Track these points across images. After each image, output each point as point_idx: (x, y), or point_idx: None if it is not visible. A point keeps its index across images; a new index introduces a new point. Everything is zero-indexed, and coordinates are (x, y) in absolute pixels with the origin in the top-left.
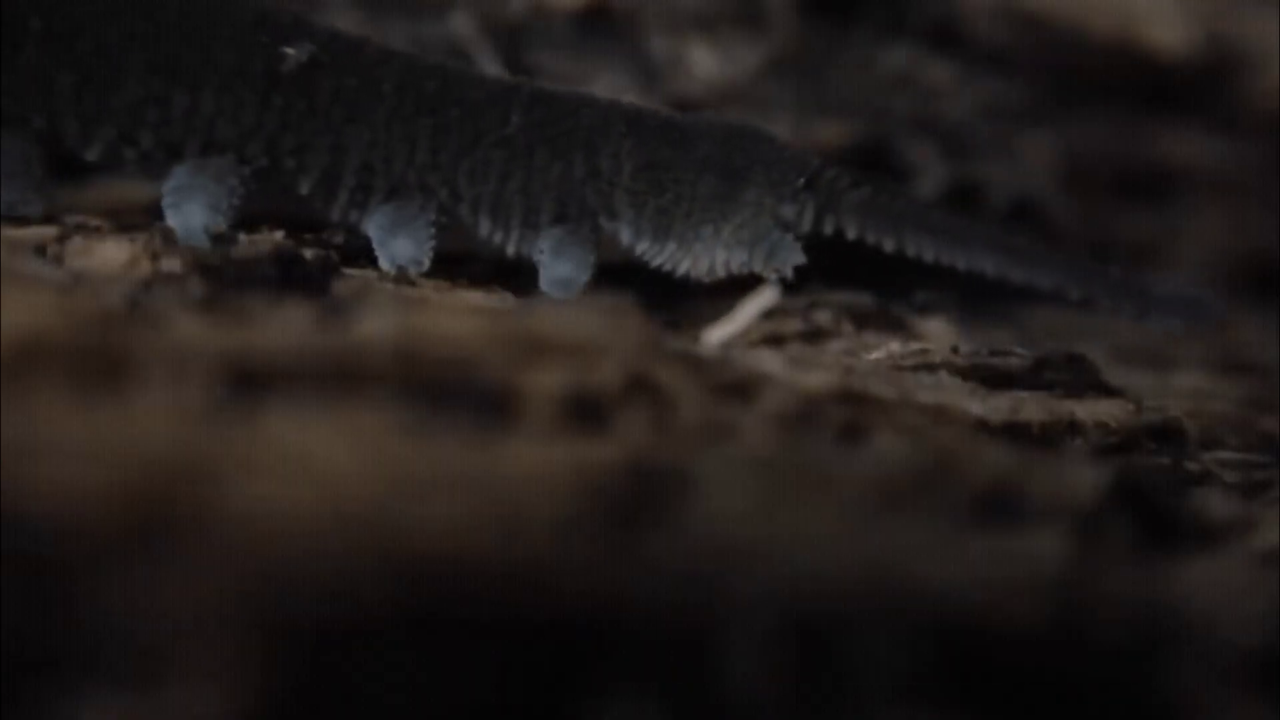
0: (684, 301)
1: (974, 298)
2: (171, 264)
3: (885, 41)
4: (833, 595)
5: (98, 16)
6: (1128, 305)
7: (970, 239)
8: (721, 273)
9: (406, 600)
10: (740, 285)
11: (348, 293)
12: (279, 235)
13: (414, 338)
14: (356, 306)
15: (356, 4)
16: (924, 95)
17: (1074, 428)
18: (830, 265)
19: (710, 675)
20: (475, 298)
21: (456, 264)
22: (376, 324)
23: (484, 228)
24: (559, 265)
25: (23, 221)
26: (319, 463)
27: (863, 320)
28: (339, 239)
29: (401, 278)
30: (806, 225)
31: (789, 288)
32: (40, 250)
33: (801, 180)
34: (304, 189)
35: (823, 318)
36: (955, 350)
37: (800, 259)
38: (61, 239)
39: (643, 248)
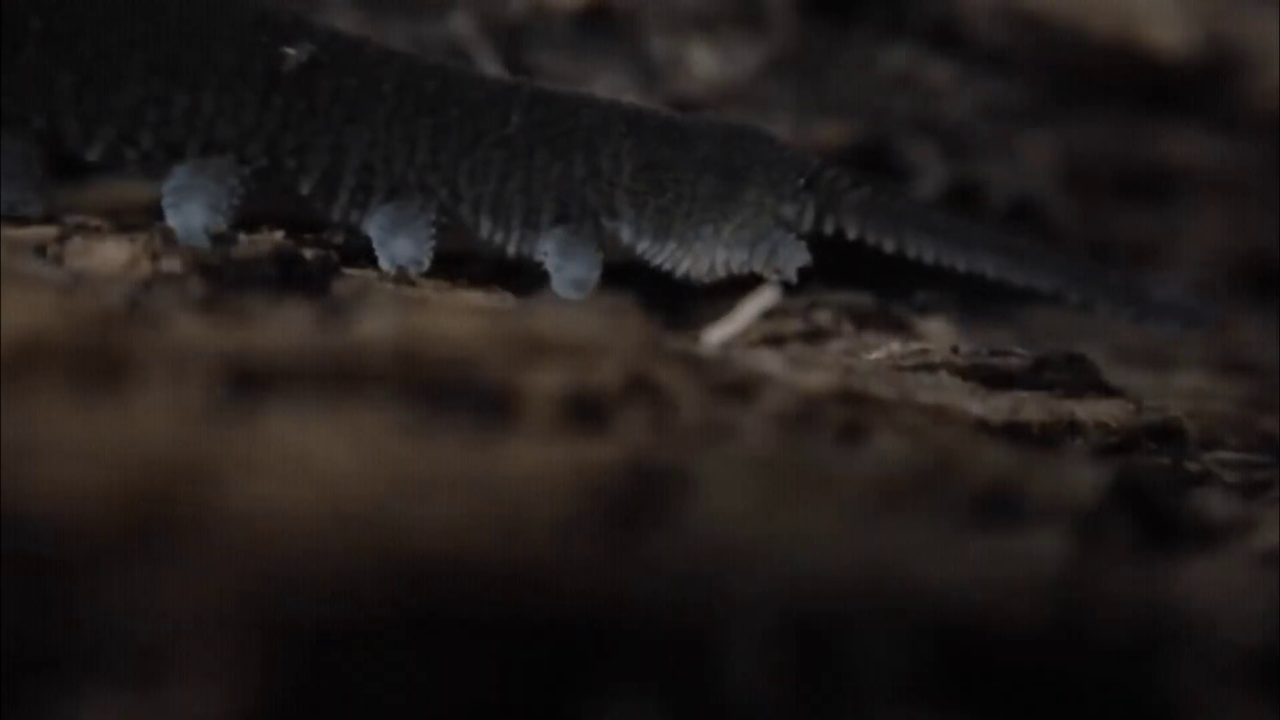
0: (684, 301)
1: (974, 298)
2: (171, 264)
3: (885, 41)
4: (833, 595)
5: (98, 17)
6: (1126, 309)
7: (971, 240)
8: (722, 272)
9: (406, 600)
10: (740, 285)
11: (348, 293)
12: (279, 235)
13: (414, 338)
14: (356, 306)
15: (356, 4)
16: (924, 95)
17: (1074, 428)
18: (830, 265)
19: (710, 675)
20: (475, 298)
21: (456, 264)
22: (376, 324)
23: (484, 228)
24: (570, 267)
25: (23, 221)
26: (319, 463)
27: (863, 320)
28: (339, 239)
29: (401, 278)
30: (807, 225)
31: (789, 288)
32: (40, 250)
33: (802, 180)
34: (304, 189)
35: (823, 318)
36: (955, 350)
37: (805, 259)
38: (61, 239)
39: (643, 247)
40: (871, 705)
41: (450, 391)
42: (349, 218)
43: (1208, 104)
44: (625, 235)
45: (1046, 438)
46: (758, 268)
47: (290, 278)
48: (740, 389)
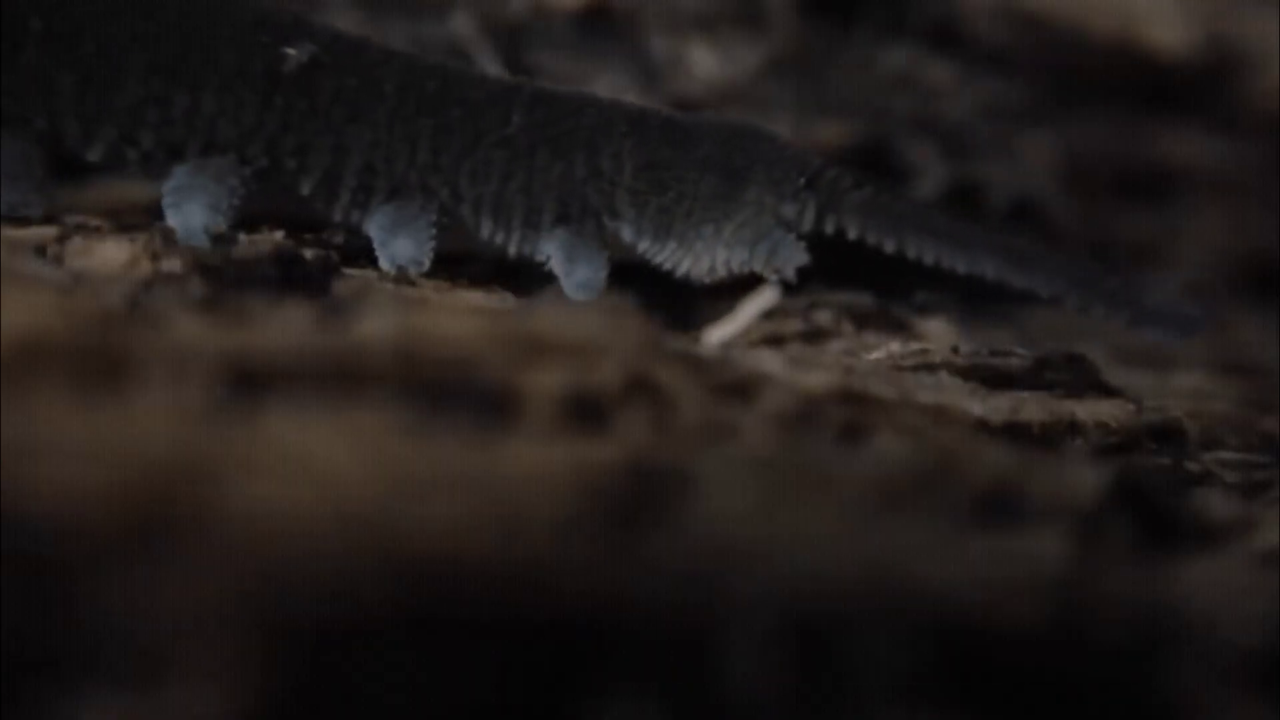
0: (684, 301)
1: (974, 298)
2: (171, 264)
3: (885, 41)
4: (833, 595)
5: (99, 17)
6: (1121, 313)
7: (970, 242)
8: (722, 272)
9: (406, 600)
10: (740, 285)
11: (348, 293)
12: (279, 235)
13: (414, 338)
14: (356, 306)
15: (356, 4)
16: (924, 95)
17: (1074, 428)
18: (830, 265)
19: (710, 675)
20: (475, 298)
21: (456, 264)
22: (376, 324)
23: (485, 228)
24: (578, 270)
25: (23, 221)
26: (319, 463)
27: (863, 320)
28: (339, 239)
29: (401, 278)
30: (807, 225)
31: (789, 288)
32: (40, 250)
33: (803, 180)
34: (305, 189)
35: (823, 318)
36: (955, 350)
37: (804, 259)
38: (61, 239)
39: (644, 247)
40: (871, 705)
41: (450, 391)
42: (350, 218)
43: (1208, 104)
44: (626, 235)
45: (1046, 438)
46: (758, 267)
47: (290, 278)
48: (740, 389)
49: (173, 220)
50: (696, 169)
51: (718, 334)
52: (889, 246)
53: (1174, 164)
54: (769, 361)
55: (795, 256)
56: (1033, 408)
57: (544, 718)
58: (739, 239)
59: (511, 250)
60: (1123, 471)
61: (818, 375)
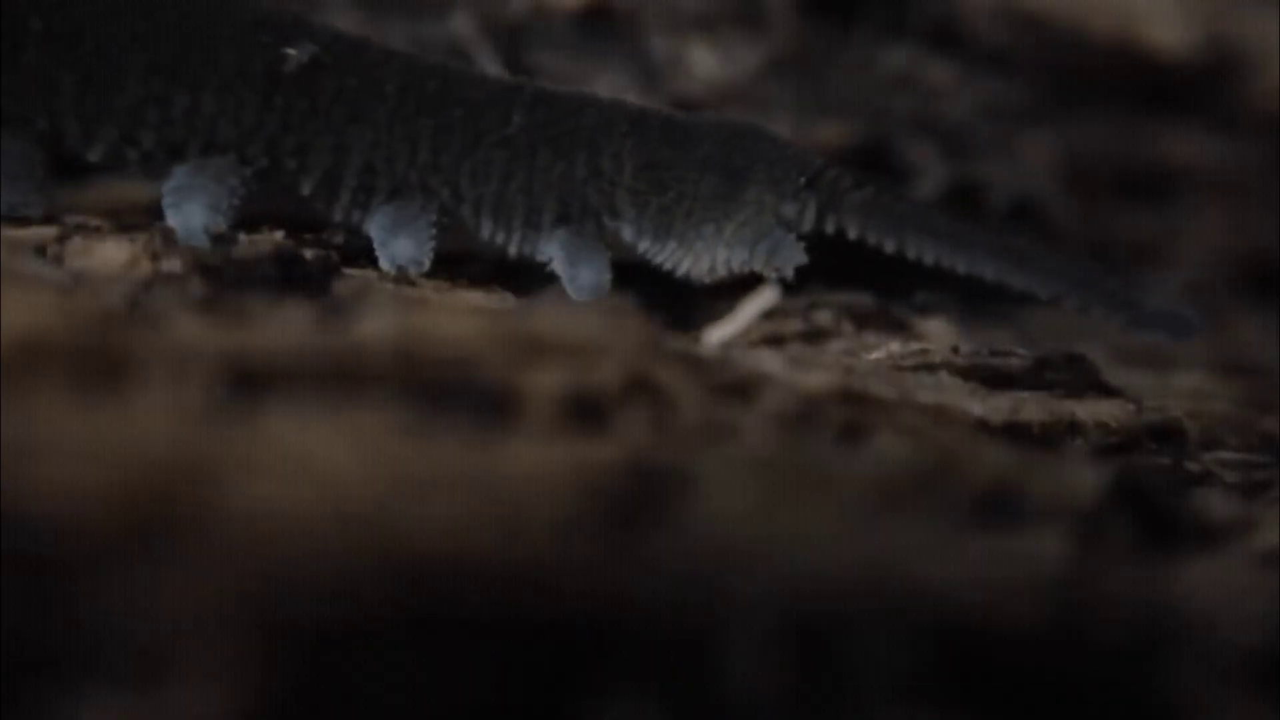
0: (684, 301)
1: (974, 298)
2: (171, 264)
3: (885, 41)
4: (833, 595)
5: (99, 17)
6: (1118, 315)
7: (970, 243)
8: (722, 271)
9: (406, 600)
10: (740, 285)
11: (348, 293)
12: (279, 235)
13: (414, 338)
14: (356, 306)
15: (356, 4)
16: (924, 95)
17: (1074, 428)
18: (831, 265)
19: (710, 675)
20: (475, 298)
21: (456, 264)
22: (376, 324)
23: (486, 228)
24: (582, 273)
25: (23, 221)
26: (319, 463)
27: (863, 320)
28: (339, 239)
29: (401, 278)
30: (808, 224)
31: (789, 288)
32: (40, 250)
33: (803, 179)
34: (306, 189)
35: (823, 318)
36: (955, 350)
37: (801, 259)
38: (61, 239)
39: (644, 247)
40: (871, 705)
41: (450, 391)
42: (350, 218)
43: (1208, 104)
44: (627, 235)
45: (1046, 438)
46: (758, 267)
47: (290, 278)
48: (740, 389)
49: (173, 220)
50: (697, 169)
51: (718, 334)
52: (889, 247)
53: (1174, 164)
54: (769, 361)
55: (795, 256)
56: (1033, 408)
57: (544, 718)
58: (739, 239)
59: (512, 250)
60: (1123, 471)
61: (818, 375)
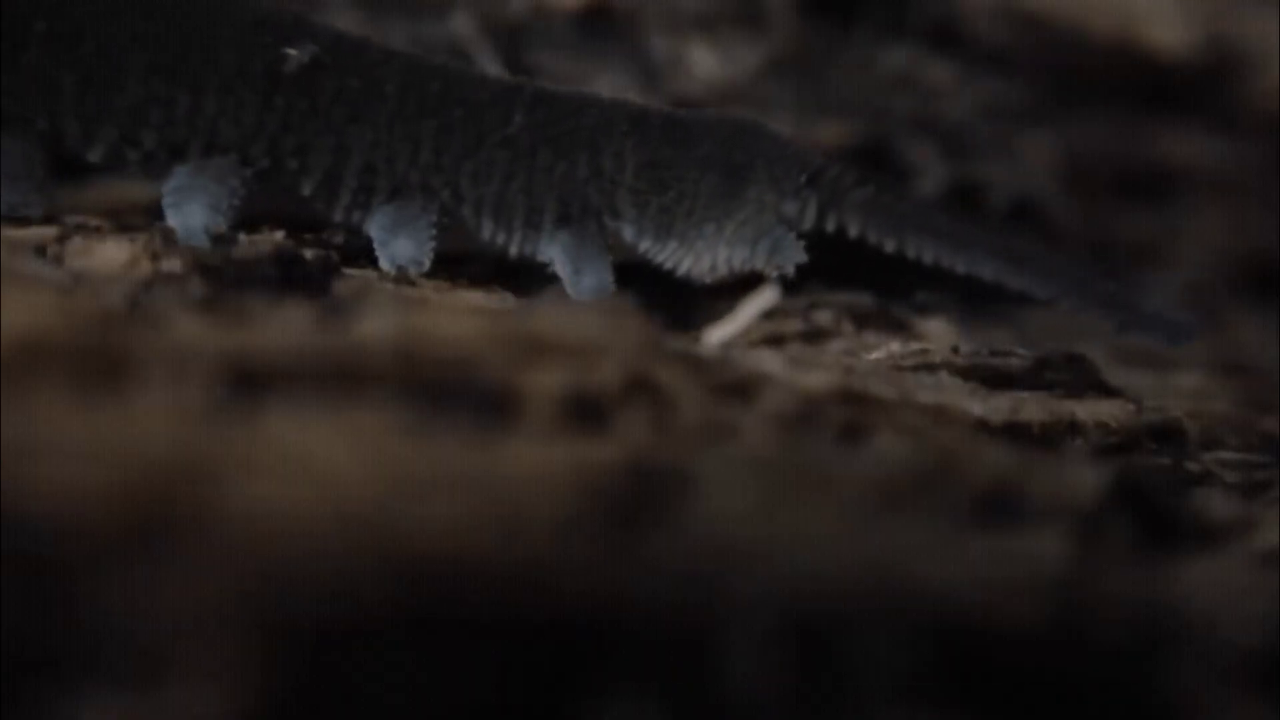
0: (684, 301)
1: (974, 298)
2: (171, 264)
3: (885, 41)
4: (833, 595)
5: (100, 17)
6: (1112, 318)
7: (970, 243)
8: (723, 270)
9: (406, 600)
10: (741, 285)
11: (348, 293)
12: (279, 235)
13: (414, 338)
14: (356, 306)
15: (356, 4)
16: (924, 95)
17: (1074, 428)
18: (831, 265)
19: (710, 675)
20: (475, 298)
21: (457, 264)
22: (376, 324)
23: (487, 229)
24: (584, 276)
25: (23, 221)
26: (319, 463)
27: (863, 320)
28: (339, 239)
29: (401, 278)
30: (809, 222)
31: (789, 288)
32: (40, 250)
33: (804, 177)
34: (306, 190)
35: (823, 318)
36: (955, 350)
37: (803, 257)
38: (61, 239)
39: (645, 246)
40: (871, 705)
41: (450, 391)
42: (350, 218)
43: (1208, 104)
44: (628, 235)
45: (1046, 438)
46: (759, 265)
47: (290, 278)
48: (740, 389)
49: (173, 220)
50: (698, 167)
51: (718, 334)
52: (889, 246)
53: (1174, 164)
54: (769, 361)
55: (796, 254)
56: (1033, 408)
57: (544, 718)
58: (740, 237)
59: (513, 251)
60: (1123, 471)
61: (818, 375)
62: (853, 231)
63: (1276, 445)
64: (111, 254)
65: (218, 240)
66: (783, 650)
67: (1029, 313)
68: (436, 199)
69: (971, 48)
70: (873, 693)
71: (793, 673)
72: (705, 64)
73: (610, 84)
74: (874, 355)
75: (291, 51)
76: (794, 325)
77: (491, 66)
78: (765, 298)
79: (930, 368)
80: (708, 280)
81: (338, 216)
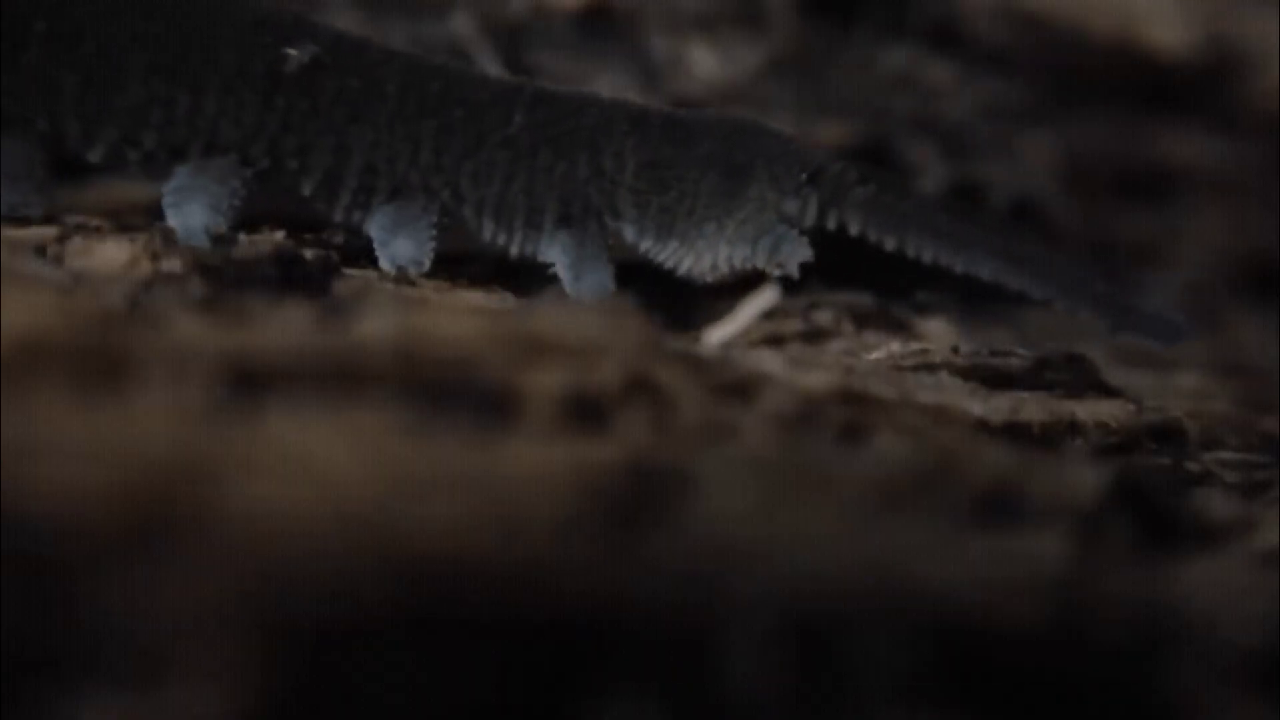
0: (684, 301)
1: (974, 298)
2: (171, 264)
3: (885, 41)
4: (833, 595)
5: (100, 18)
6: (1105, 318)
7: (970, 242)
8: (724, 269)
9: (406, 600)
10: (741, 285)
11: (348, 293)
12: (279, 235)
13: (414, 338)
14: (356, 306)
15: (356, 4)
16: (924, 95)
17: (1074, 428)
18: (831, 265)
19: (710, 675)
20: (475, 298)
21: (457, 264)
22: (376, 324)
23: (487, 229)
24: (585, 277)
25: (23, 221)
26: (319, 463)
27: (863, 320)
28: (339, 239)
29: (401, 278)
30: (810, 220)
31: (789, 287)
32: (40, 250)
33: (805, 175)
34: (306, 190)
35: (823, 318)
36: (956, 350)
37: (806, 255)
38: (61, 239)
39: (646, 246)
40: (871, 705)
41: (450, 391)
42: (350, 218)
43: (1208, 104)
44: (629, 235)
45: (1046, 438)
46: (760, 264)
47: (290, 278)
48: (740, 389)
49: (173, 220)
50: (698, 167)
51: (718, 334)
52: (890, 244)
53: (1174, 164)
54: (769, 361)
55: (798, 252)
56: (1033, 408)
57: (544, 718)
58: (741, 236)
59: (513, 251)
60: (1123, 471)
61: (818, 375)
62: (853, 230)
63: (1276, 445)
64: (111, 254)
65: (218, 240)
66: (783, 650)
67: (1029, 313)
68: (437, 199)
69: (971, 48)
70: (873, 693)
71: (793, 673)
72: (705, 64)
73: (610, 84)
74: (874, 355)
75: (292, 51)
76: (794, 325)
77: (491, 66)
78: (765, 298)
79: (930, 368)
80: (709, 279)
81: (338, 217)
